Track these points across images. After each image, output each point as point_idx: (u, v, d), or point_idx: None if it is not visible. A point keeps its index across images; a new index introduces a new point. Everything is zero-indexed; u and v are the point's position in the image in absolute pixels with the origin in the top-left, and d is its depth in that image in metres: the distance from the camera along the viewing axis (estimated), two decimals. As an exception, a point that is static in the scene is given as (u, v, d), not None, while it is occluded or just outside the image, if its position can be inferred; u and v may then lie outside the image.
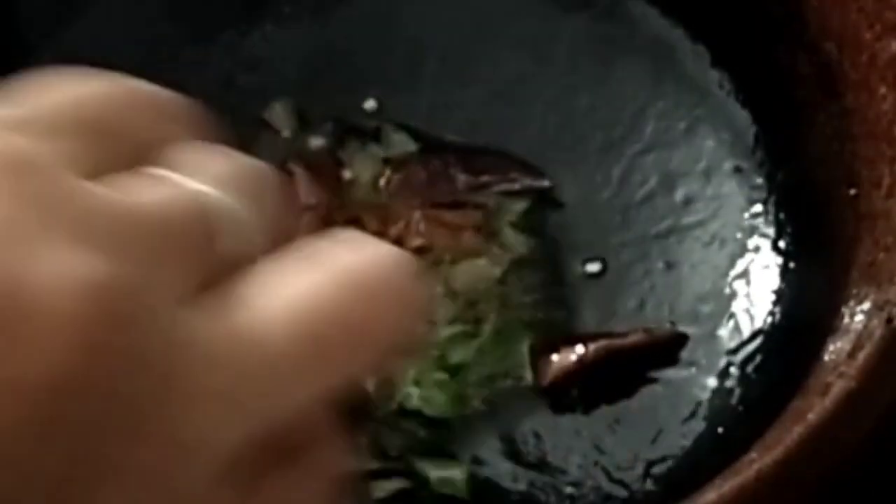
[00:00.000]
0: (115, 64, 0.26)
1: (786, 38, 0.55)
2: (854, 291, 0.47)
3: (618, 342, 0.52)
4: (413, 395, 0.51)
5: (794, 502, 0.43)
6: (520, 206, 0.55)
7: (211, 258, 0.23)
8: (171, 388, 0.21)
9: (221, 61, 0.58)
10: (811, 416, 0.43)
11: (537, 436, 0.51)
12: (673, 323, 0.53)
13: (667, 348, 0.52)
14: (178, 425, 0.22)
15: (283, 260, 0.24)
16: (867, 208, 0.49)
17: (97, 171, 0.23)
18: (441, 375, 0.51)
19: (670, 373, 0.52)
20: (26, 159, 0.22)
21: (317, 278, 0.24)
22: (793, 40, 0.54)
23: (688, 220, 0.55)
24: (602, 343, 0.52)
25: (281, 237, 0.25)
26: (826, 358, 0.46)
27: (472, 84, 0.58)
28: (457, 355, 0.52)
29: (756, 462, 0.42)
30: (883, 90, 0.50)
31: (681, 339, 0.53)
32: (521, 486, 0.50)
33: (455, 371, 0.51)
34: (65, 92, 0.24)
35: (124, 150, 0.24)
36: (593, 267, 0.54)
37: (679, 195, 0.56)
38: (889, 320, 0.44)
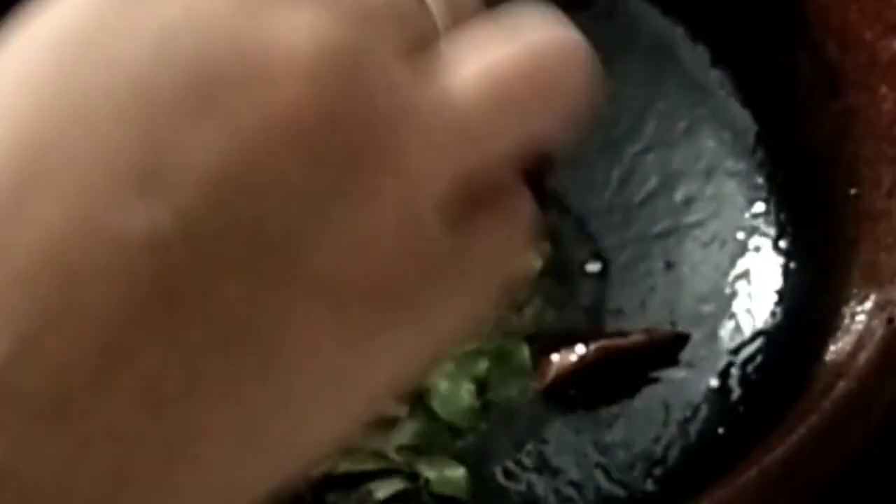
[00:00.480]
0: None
1: (786, 38, 0.55)
2: (855, 291, 0.47)
3: (618, 342, 0.52)
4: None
5: (794, 502, 0.43)
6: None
7: (421, 24, 0.27)
8: (395, 127, 0.25)
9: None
10: (812, 417, 0.43)
11: (537, 436, 0.51)
12: (673, 323, 0.53)
13: (667, 348, 0.52)
14: (401, 161, 0.25)
15: (480, 29, 0.28)
16: (868, 208, 0.49)
17: None
18: (440, 378, 0.51)
19: (670, 373, 0.52)
20: None
21: (509, 47, 0.28)
22: (793, 40, 0.54)
23: (688, 220, 0.55)
24: (602, 343, 0.52)
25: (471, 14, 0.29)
26: (827, 358, 0.46)
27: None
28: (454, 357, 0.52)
29: (756, 462, 0.42)
30: (883, 90, 0.50)
31: (681, 340, 0.52)
32: (521, 487, 0.50)
33: (454, 373, 0.51)
34: None
35: None
36: (593, 267, 0.54)
37: (679, 195, 0.55)
38: (890, 320, 0.44)
